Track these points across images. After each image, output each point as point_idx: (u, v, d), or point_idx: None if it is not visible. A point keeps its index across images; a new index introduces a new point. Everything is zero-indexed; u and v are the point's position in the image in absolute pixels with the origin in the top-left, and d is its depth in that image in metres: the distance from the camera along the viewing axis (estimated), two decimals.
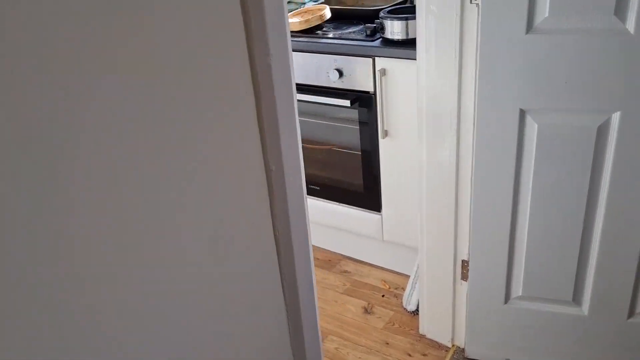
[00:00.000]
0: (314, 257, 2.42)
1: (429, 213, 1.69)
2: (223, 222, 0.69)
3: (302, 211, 0.80)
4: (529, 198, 1.48)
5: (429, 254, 1.76)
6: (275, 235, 0.78)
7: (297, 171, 0.77)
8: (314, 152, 2.22)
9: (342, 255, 2.42)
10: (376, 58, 1.86)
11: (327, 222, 2.31)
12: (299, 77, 2.07)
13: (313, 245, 2.51)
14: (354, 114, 2.02)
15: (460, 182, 1.59)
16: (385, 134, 1.96)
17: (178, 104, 0.59)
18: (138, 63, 0.53)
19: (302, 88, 2.08)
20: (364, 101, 1.96)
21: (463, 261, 1.69)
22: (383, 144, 1.99)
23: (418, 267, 1.88)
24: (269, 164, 0.73)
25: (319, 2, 2.32)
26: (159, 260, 0.60)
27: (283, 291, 0.81)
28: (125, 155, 0.53)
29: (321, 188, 2.26)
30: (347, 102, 1.96)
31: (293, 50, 2.03)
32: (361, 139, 2.05)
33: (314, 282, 0.86)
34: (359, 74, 1.92)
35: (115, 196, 0.53)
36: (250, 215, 0.73)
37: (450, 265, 1.72)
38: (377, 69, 1.87)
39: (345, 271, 2.32)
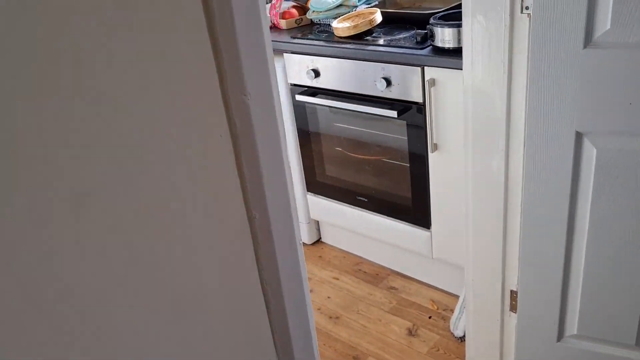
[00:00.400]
0: (361, 270, 2.33)
1: (475, 236, 1.56)
2: (198, 278, 0.62)
3: (295, 260, 0.72)
4: (586, 228, 1.32)
5: (476, 281, 1.62)
6: (263, 288, 0.70)
7: (286, 218, 0.69)
8: (362, 162, 2.13)
9: (390, 269, 2.31)
10: (425, 67, 1.74)
11: (375, 235, 2.21)
12: (345, 85, 1.98)
13: (361, 258, 2.42)
14: (402, 124, 1.90)
15: (510, 205, 1.45)
16: (435, 147, 1.84)
17: (140, 144, 0.52)
18: (98, 119, 0.47)
19: (349, 97, 1.98)
20: (413, 112, 1.84)
21: (512, 291, 1.54)
22: (432, 157, 1.86)
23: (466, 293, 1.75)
24: (251, 211, 0.66)
25: (372, 5, 2.21)
26: (131, 327, 0.54)
27: (276, 350, 0.73)
28: (96, 211, 0.47)
29: (369, 200, 2.16)
30: (394, 113, 1.85)
31: (339, 57, 1.96)
32: (410, 151, 1.93)
33: (314, 340, 0.77)
34: (408, 83, 1.81)
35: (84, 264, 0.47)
36: (231, 269, 0.66)
37: (498, 295, 1.58)
38: (426, 78, 1.75)
39: (393, 287, 2.21)
